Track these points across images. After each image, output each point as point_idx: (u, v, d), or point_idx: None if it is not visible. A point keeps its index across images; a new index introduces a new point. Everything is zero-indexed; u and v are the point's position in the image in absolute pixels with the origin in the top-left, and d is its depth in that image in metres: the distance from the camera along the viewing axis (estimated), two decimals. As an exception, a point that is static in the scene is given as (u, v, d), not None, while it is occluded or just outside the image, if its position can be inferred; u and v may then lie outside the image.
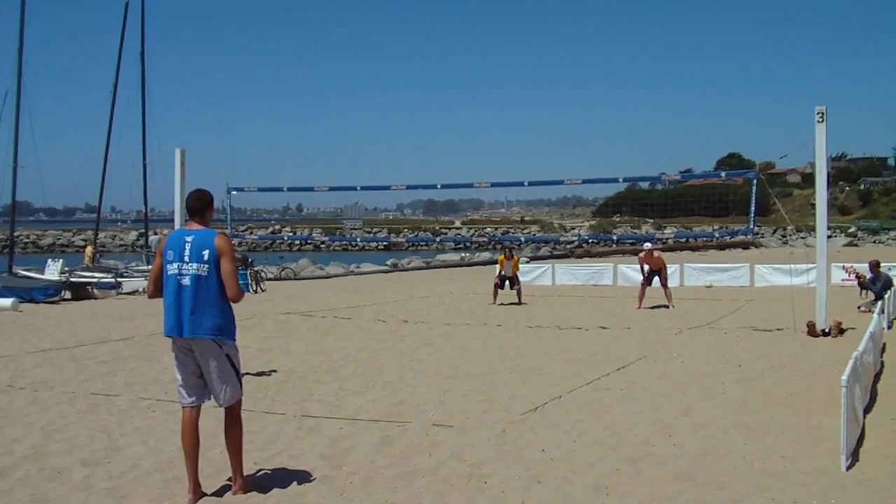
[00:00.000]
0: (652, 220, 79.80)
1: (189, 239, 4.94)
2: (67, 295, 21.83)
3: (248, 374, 9.09)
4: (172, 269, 4.94)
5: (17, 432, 6.70)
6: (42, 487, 5.30)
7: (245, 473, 5.24)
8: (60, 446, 6.27)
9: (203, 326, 4.89)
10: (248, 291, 22.23)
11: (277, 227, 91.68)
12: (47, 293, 21.28)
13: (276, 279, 31.88)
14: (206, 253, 4.89)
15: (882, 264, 16.75)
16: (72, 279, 23.32)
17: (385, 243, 67.98)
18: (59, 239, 79.82)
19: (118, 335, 13.08)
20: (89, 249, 29.84)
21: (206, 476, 5.29)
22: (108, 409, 7.65)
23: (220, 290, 4.93)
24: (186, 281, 4.89)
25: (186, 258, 4.91)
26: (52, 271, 24.02)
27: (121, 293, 23.38)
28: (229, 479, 5.21)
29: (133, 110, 34.54)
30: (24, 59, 27.88)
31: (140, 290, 23.54)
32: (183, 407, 5.07)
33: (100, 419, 7.21)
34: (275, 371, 9.75)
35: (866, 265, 17.23)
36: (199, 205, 5.12)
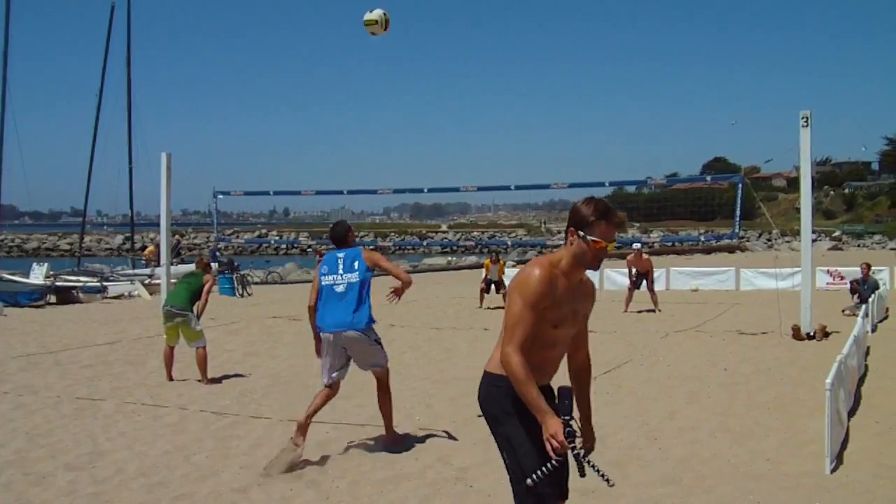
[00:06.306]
0: (638, 224, 80.00)
1: (341, 256, 6.20)
2: (52, 299, 21.67)
3: (229, 376, 9.06)
4: (328, 280, 6.09)
5: (1, 437, 6.66)
6: (26, 493, 5.26)
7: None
8: (45, 451, 6.23)
9: (357, 322, 5.97)
10: (234, 295, 22.11)
11: (264, 230, 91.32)
12: (32, 297, 21.10)
13: (262, 283, 31.77)
14: (356, 264, 6.10)
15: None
16: (57, 283, 23.17)
17: (372, 247, 67.90)
18: (44, 243, 79.01)
19: (103, 339, 12.98)
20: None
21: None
22: (92, 413, 7.61)
23: (366, 293, 6.06)
24: (341, 289, 6.04)
25: (341, 270, 6.09)
26: (38, 275, 23.84)
27: (106, 297, 23.24)
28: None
29: (119, 114, 34.22)
30: (9, 62, 27.84)
31: (126, 293, 23.44)
32: (326, 385, 6.10)
33: (84, 424, 7.17)
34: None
35: (852, 269, 17.33)
36: (338, 235, 6.34)
